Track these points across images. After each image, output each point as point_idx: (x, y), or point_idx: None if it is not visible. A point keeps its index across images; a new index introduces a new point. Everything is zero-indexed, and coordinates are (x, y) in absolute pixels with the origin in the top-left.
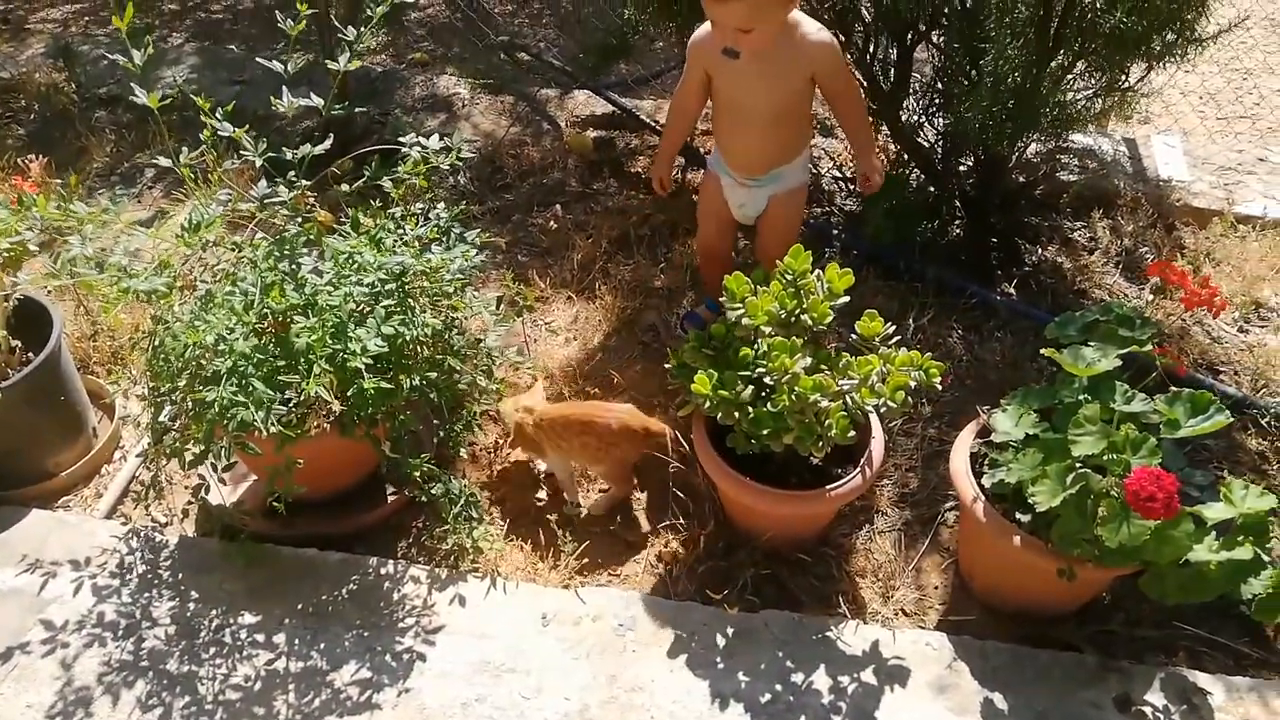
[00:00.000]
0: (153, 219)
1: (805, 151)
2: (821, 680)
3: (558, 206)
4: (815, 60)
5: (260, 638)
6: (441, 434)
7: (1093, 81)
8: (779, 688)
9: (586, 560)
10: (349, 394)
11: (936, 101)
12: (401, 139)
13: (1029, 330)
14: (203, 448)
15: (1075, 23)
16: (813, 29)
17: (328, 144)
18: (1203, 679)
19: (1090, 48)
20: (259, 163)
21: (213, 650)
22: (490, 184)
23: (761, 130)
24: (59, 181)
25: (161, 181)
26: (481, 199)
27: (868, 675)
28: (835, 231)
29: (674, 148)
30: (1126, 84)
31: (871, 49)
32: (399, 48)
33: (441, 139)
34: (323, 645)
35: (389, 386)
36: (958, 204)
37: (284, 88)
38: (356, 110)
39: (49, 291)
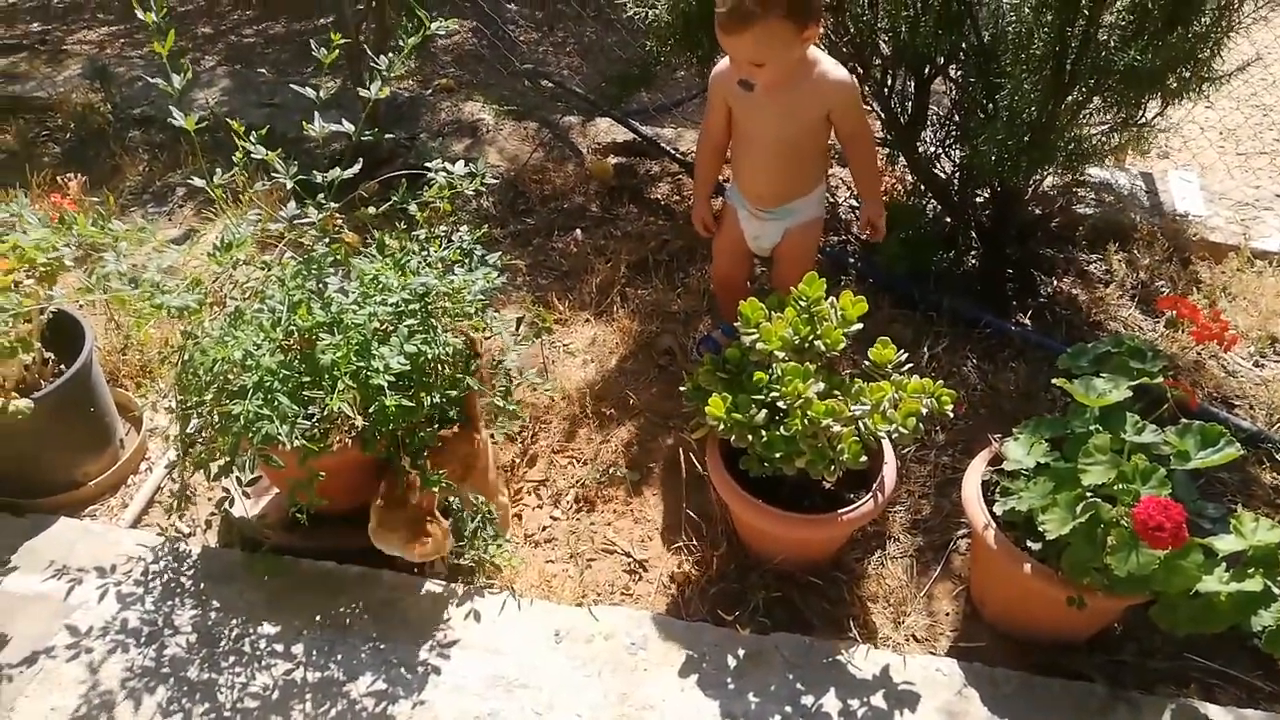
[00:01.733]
0: (184, 237)
1: (820, 186)
2: (831, 703)
3: (578, 231)
4: (831, 99)
5: (279, 647)
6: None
7: (1109, 117)
8: (789, 710)
9: (600, 579)
10: (371, 410)
11: (953, 134)
12: (428, 164)
13: (1043, 360)
14: (228, 460)
15: (1090, 59)
16: (831, 67)
17: (357, 168)
18: (1213, 711)
19: (1105, 84)
20: (290, 185)
21: (232, 659)
22: (513, 208)
23: (776, 164)
24: (95, 199)
25: (192, 200)
26: (503, 222)
27: (878, 699)
28: (851, 260)
29: (709, 185)
30: (1143, 119)
31: (889, 83)
32: (426, 74)
33: (466, 164)
34: (340, 656)
35: (410, 404)
36: (974, 235)
37: (316, 113)
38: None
39: (81, 306)
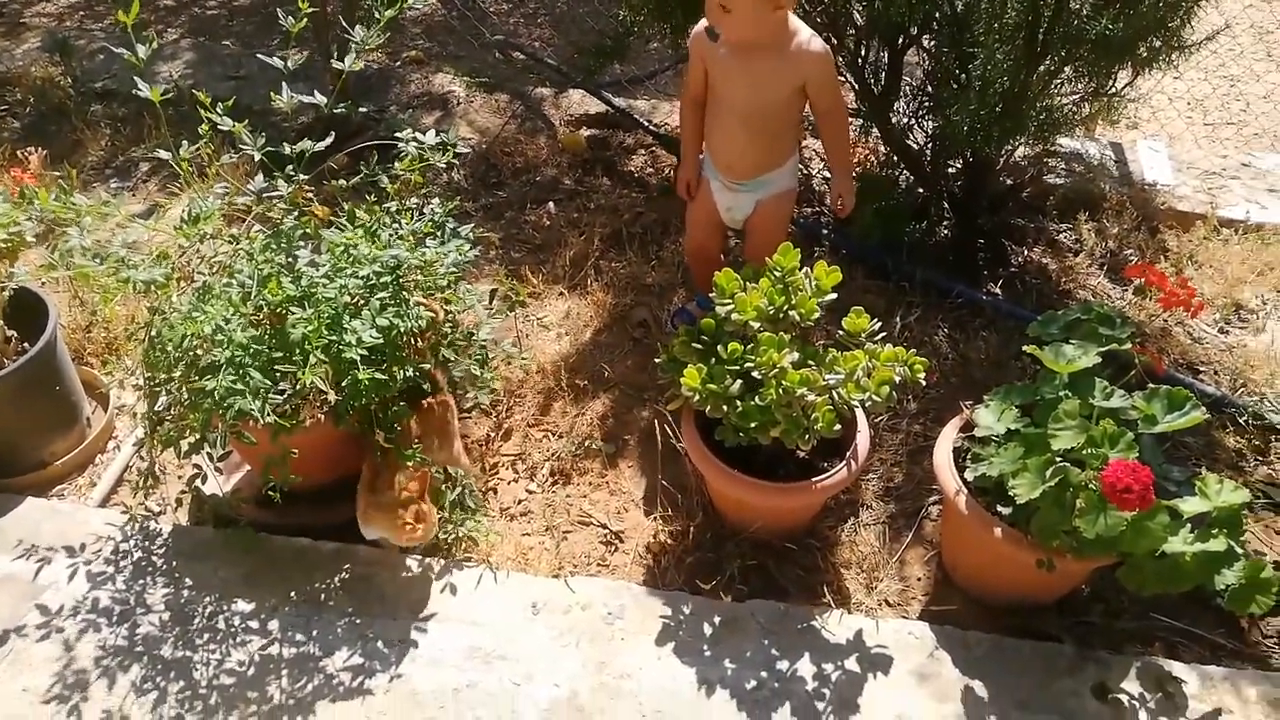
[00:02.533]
0: (148, 212)
1: (793, 158)
2: (806, 668)
3: (551, 204)
4: (807, 70)
5: (254, 624)
6: None
7: (1080, 86)
8: (764, 675)
9: (576, 551)
10: (344, 384)
11: (926, 105)
12: (398, 135)
13: (1014, 329)
14: (198, 437)
15: (1062, 28)
16: (808, 38)
17: (328, 141)
18: (1178, 668)
19: (1077, 53)
20: (258, 157)
21: (207, 636)
22: (484, 181)
23: (748, 135)
24: (57, 174)
25: (156, 175)
26: (475, 196)
27: (851, 663)
28: (825, 231)
29: (694, 146)
30: (1113, 89)
31: (863, 53)
32: (394, 45)
33: (438, 135)
34: (315, 632)
35: (383, 378)
36: (946, 205)
37: (284, 84)
38: (347, 107)
39: (43, 283)
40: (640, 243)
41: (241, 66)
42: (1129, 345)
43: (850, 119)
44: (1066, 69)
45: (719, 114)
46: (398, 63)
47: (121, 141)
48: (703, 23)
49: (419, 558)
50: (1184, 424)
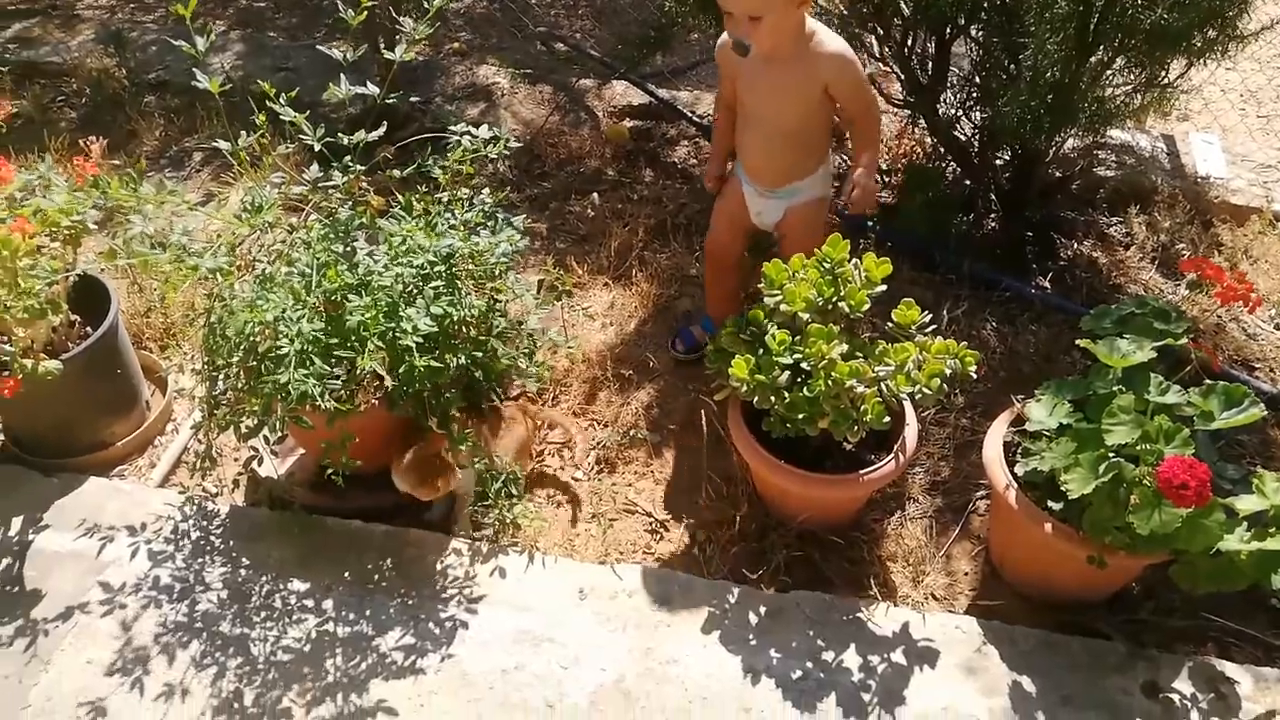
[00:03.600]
0: (202, 202)
1: (823, 166)
2: (852, 659)
3: (595, 195)
4: (827, 71)
5: (309, 603)
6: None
7: (1132, 77)
8: (810, 665)
9: (622, 539)
10: (399, 371)
11: (974, 96)
12: (452, 127)
13: (1063, 324)
14: (257, 420)
15: (1115, 18)
16: (826, 38)
17: (382, 130)
18: (1231, 669)
19: (1130, 43)
20: (318, 147)
21: (264, 614)
22: (529, 172)
23: (774, 144)
24: (115, 163)
25: (209, 165)
26: (520, 187)
27: (897, 655)
28: (870, 223)
29: (725, 143)
30: (1166, 80)
31: (910, 43)
32: (437, 37)
33: (490, 128)
34: (369, 612)
35: (438, 364)
36: (993, 198)
37: (342, 75)
38: (398, 99)
39: (103, 269)
40: (685, 234)
41: (290, 58)
42: (1184, 340)
43: (897, 109)
44: (1118, 60)
45: (746, 123)
46: (440, 54)
47: (174, 132)
48: (723, 36)
49: (468, 541)
50: (1242, 420)
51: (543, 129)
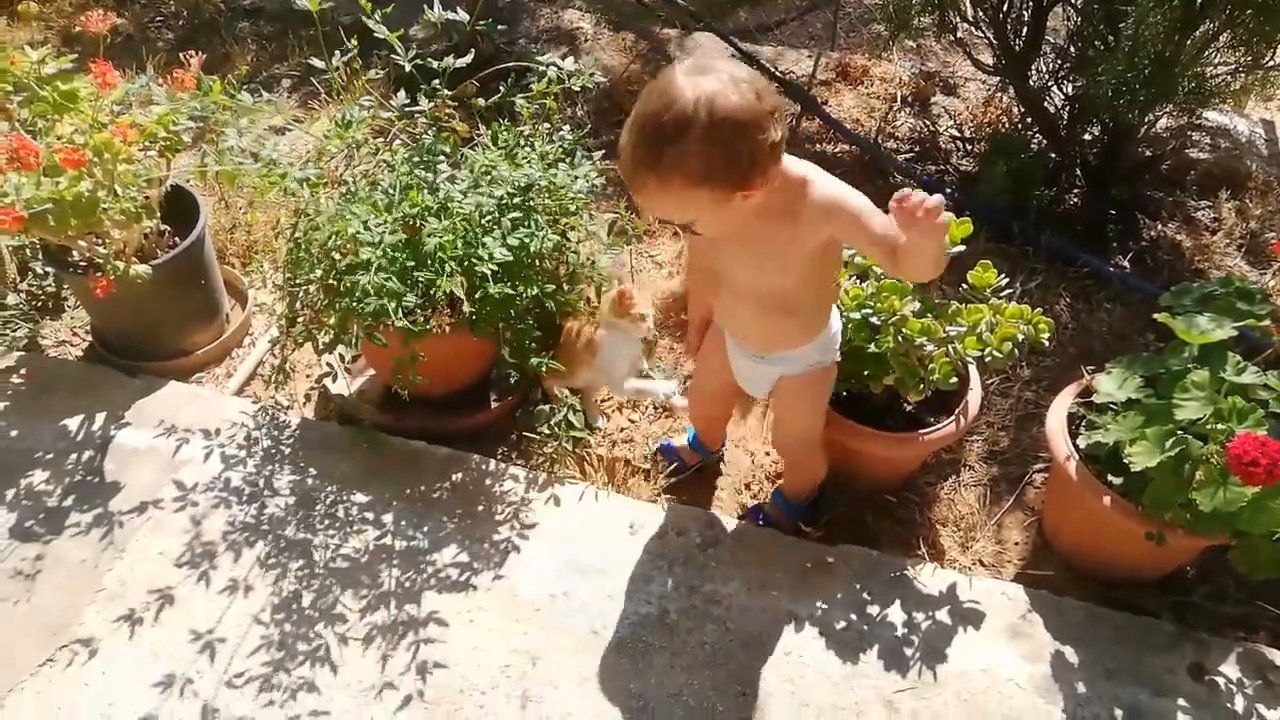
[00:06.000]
0: (284, 127)
1: (825, 330)
2: (896, 615)
3: None
4: (825, 224)
5: (370, 515)
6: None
7: (1235, 56)
8: (854, 617)
9: (675, 482)
10: (477, 297)
11: (1067, 66)
12: (539, 59)
13: (1140, 305)
14: (334, 335)
15: None
16: (820, 187)
17: (470, 57)
18: None
19: (1239, 17)
20: (408, 68)
21: (327, 522)
22: (606, 118)
23: (756, 312)
24: (212, 79)
25: (298, 91)
26: (597, 132)
27: (942, 615)
28: (948, 190)
29: (701, 309)
30: (1271, 62)
31: (1005, 7)
32: None
33: (577, 63)
34: (426, 528)
35: (511, 292)
36: (1078, 172)
37: (437, 1)
38: (482, 37)
39: (189, 181)
40: None
41: None
42: (1267, 322)
43: (987, 76)
44: (1224, 35)
45: (725, 286)
46: None
47: (266, 58)
48: None
49: (524, 469)
50: None
51: (624, 76)
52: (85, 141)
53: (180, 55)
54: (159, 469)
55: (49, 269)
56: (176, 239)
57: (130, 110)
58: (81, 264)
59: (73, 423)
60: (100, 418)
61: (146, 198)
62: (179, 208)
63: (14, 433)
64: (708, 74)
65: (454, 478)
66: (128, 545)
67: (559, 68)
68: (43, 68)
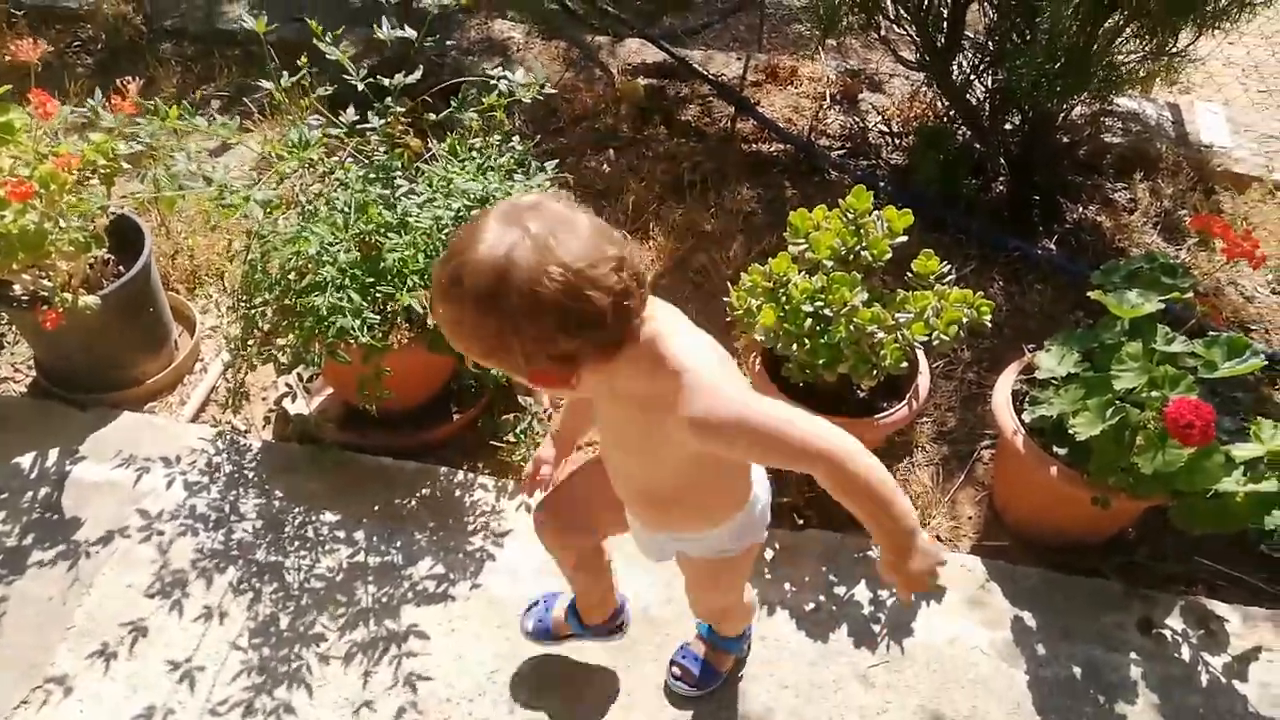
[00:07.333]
0: (221, 148)
1: (739, 516)
2: (862, 593)
3: (611, 151)
4: (691, 441)
5: (341, 534)
6: None
7: (1142, 45)
8: (822, 598)
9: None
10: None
11: (987, 59)
12: (489, 71)
13: (1068, 285)
14: (297, 352)
15: None
16: (689, 394)
17: (419, 74)
18: (1220, 608)
19: (1145, 8)
20: (360, 86)
21: (297, 543)
22: (544, 127)
23: (633, 496)
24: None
25: (228, 113)
26: (536, 141)
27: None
28: (881, 184)
29: (571, 435)
30: (1175, 49)
31: (925, 5)
32: None
33: (527, 73)
34: (399, 543)
35: None
36: (1002, 161)
37: (384, 18)
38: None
39: (123, 209)
40: (700, 190)
41: (304, 7)
42: (1190, 295)
43: (914, 72)
44: (1131, 25)
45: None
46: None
47: (192, 80)
48: None
49: (494, 479)
50: (1244, 370)
51: (558, 84)
52: (30, 173)
53: (101, 81)
54: (120, 500)
55: None
56: (120, 268)
57: (61, 139)
58: (24, 298)
59: (25, 460)
60: (53, 453)
61: (93, 226)
62: (119, 236)
63: None
64: (511, 227)
65: (423, 491)
66: (95, 579)
67: (510, 80)
68: None
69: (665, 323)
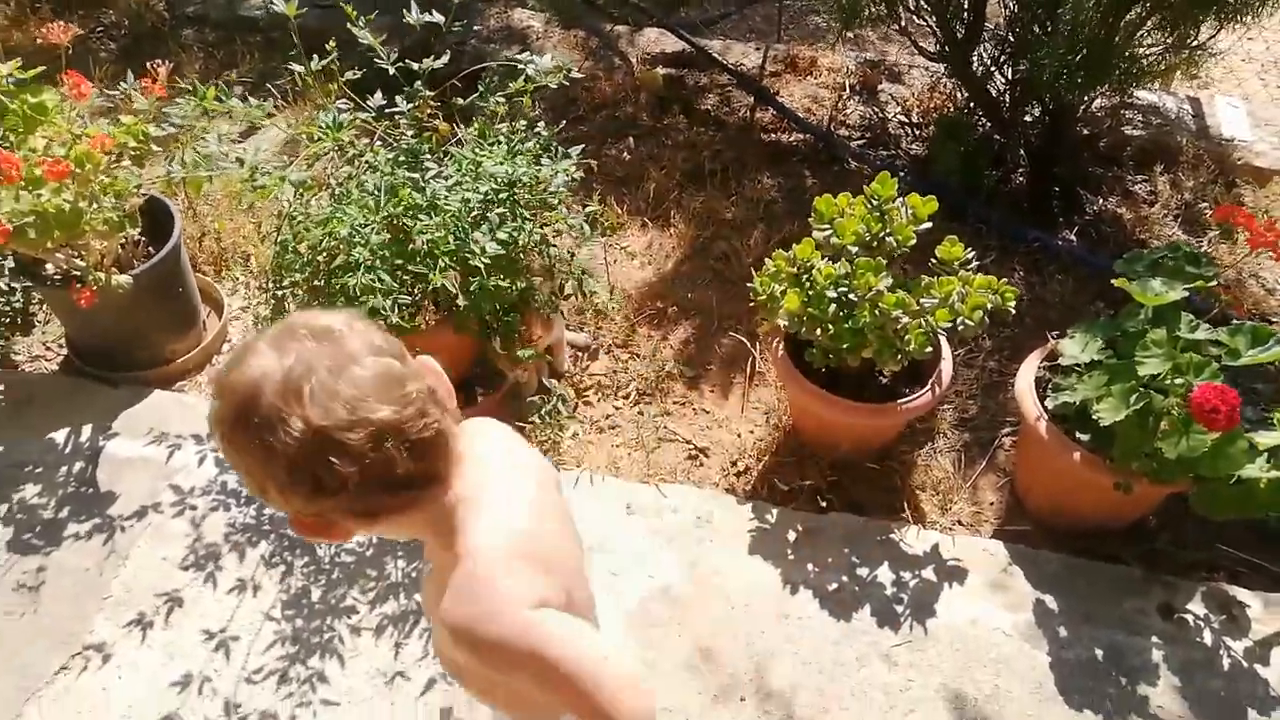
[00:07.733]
0: (246, 132)
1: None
2: (885, 575)
3: (631, 139)
4: (457, 649)
5: None
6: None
7: (1163, 38)
8: (845, 579)
9: (663, 462)
10: (471, 290)
11: (1008, 51)
12: (510, 57)
13: (1088, 276)
14: None
15: None
16: (460, 593)
17: (447, 58)
18: (1242, 594)
19: (1167, 1)
20: (391, 70)
21: None
22: (565, 115)
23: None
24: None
25: (252, 97)
26: (558, 129)
27: (928, 573)
28: (902, 173)
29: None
30: (1195, 42)
31: None
32: None
33: (552, 59)
34: None
35: (505, 284)
36: (1022, 153)
37: (413, 3)
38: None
39: (160, 192)
40: (720, 179)
41: None
42: (1214, 284)
43: (934, 63)
44: (1153, 18)
45: None
46: None
47: (214, 65)
48: None
49: None
50: (1267, 358)
51: (578, 73)
52: (66, 153)
53: (125, 67)
54: (153, 476)
55: (15, 284)
56: (151, 248)
57: (89, 122)
58: (57, 277)
59: (59, 435)
60: (87, 429)
61: (127, 206)
62: (149, 217)
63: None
64: (275, 352)
65: None
66: (130, 552)
67: (536, 66)
68: (7, 80)
69: (477, 486)
